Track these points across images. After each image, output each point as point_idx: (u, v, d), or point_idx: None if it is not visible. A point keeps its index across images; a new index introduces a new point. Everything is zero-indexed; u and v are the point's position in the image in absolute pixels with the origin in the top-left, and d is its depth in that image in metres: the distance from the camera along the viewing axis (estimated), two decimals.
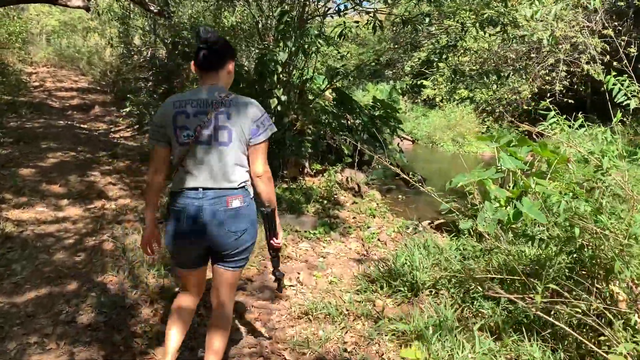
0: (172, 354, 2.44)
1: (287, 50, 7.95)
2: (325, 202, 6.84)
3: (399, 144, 9.88)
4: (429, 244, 4.50)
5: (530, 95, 18.96)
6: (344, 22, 8.37)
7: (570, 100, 18.46)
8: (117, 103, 15.01)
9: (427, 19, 7.26)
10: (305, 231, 5.59)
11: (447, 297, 3.67)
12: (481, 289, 3.56)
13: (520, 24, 8.17)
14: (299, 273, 4.41)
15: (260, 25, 10.02)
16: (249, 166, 2.32)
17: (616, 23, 19.43)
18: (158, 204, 2.50)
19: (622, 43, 18.26)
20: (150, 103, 11.50)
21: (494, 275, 3.47)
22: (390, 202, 7.92)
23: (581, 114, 4.43)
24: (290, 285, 4.17)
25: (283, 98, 8.43)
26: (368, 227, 6.00)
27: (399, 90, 11.30)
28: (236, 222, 2.26)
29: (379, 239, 5.60)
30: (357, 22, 7.61)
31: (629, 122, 18.52)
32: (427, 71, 26.11)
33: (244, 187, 2.29)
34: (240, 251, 2.36)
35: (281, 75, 8.33)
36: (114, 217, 5.14)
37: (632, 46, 18.26)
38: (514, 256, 3.73)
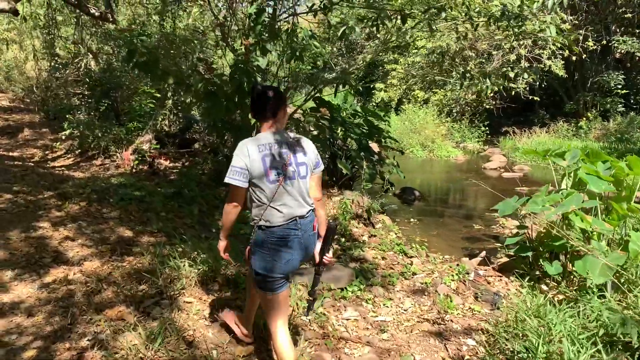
0: None
1: (266, 56, 6.63)
2: (343, 239, 5.55)
3: (395, 157, 8.71)
4: (549, 315, 3.28)
5: (492, 94, 18.45)
6: (328, 21, 7.17)
7: (535, 97, 18.12)
8: (48, 124, 13.02)
9: (443, 14, 6.12)
10: (341, 289, 4.28)
11: None
12: None
13: (528, 17, 7.20)
14: None
15: (225, 27, 8.57)
16: (311, 192, 2.69)
17: (571, 17, 19.29)
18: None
19: (580, 37, 18.11)
20: (92, 122, 9.77)
21: None
22: (406, 229, 6.74)
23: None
24: None
25: None
26: (413, 274, 4.76)
27: (352, 94, 10.09)
28: (317, 238, 2.73)
29: (436, 291, 4.37)
30: (362, 18, 6.36)
31: (593, 116, 18.33)
32: (377, 72, 25.26)
33: (314, 208, 2.70)
34: None
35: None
36: (86, 297, 3.62)
37: (589, 40, 18.12)
38: None
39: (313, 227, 2.65)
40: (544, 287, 4.28)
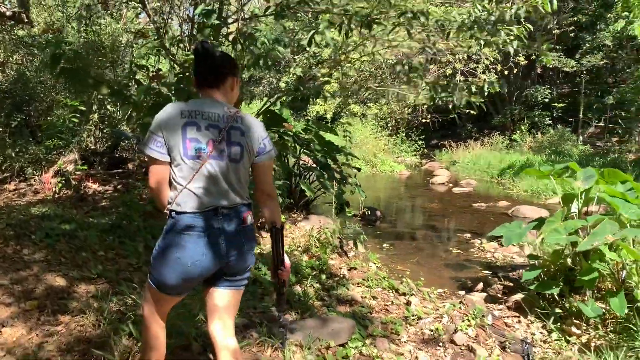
0: None
1: None
2: (323, 276, 4.75)
3: (356, 175, 8.06)
4: None
5: (426, 107, 18.41)
6: (283, 26, 6.43)
7: (472, 112, 18.23)
8: None
9: (422, 18, 5.53)
10: (342, 345, 3.48)
11: None
12: None
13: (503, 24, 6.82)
14: None
15: (162, 31, 7.56)
16: (257, 185, 2.25)
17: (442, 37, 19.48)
18: None
19: (511, 52, 18.47)
20: (3, 140, 8.37)
21: None
22: (380, 256, 6.04)
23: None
24: None
25: None
26: (418, 319, 4.03)
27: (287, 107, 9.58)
28: (250, 239, 2.19)
29: (452, 342, 3.66)
30: (332, 23, 5.61)
31: (526, 129, 18.66)
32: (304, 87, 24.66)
33: (250, 203, 2.20)
34: (250, 267, 2.25)
35: None
36: None
37: (520, 55, 18.61)
38: None
39: (243, 221, 2.11)
40: (575, 330, 3.70)
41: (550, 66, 18.88)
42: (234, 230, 2.09)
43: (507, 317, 4.10)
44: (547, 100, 19.49)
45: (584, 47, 18.16)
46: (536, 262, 4.38)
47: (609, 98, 17.91)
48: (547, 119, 19.38)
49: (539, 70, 23.47)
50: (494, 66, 17.44)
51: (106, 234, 5.17)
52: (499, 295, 4.59)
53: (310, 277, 4.64)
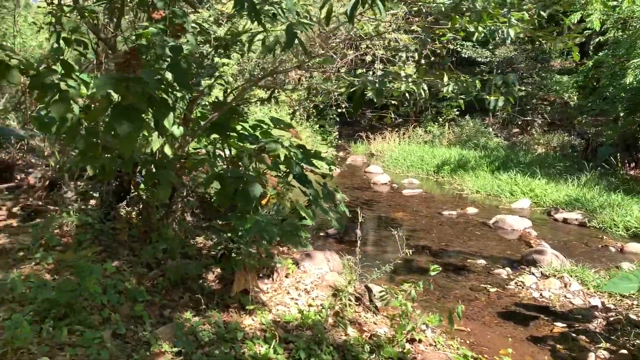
0: None
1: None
2: None
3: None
4: None
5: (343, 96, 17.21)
6: None
7: (393, 101, 17.40)
8: None
9: None
10: None
11: None
12: None
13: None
14: None
15: None
16: None
17: (417, 19, 18.93)
18: None
19: (429, 40, 17.92)
20: None
21: None
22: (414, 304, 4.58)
23: None
24: None
25: (177, 132, 4.70)
26: None
27: None
28: None
29: None
30: None
31: (444, 120, 18.23)
32: None
33: None
34: None
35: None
36: None
37: (437, 42, 18.10)
38: None
39: None
40: None
41: (466, 56, 18.62)
42: None
43: None
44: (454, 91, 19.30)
45: (496, 39, 18.14)
46: None
47: (519, 90, 18.06)
48: (455, 110, 19.18)
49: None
50: (412, 55, 16.73)
51: (37, 314, 3.15)
52: None
53: None
